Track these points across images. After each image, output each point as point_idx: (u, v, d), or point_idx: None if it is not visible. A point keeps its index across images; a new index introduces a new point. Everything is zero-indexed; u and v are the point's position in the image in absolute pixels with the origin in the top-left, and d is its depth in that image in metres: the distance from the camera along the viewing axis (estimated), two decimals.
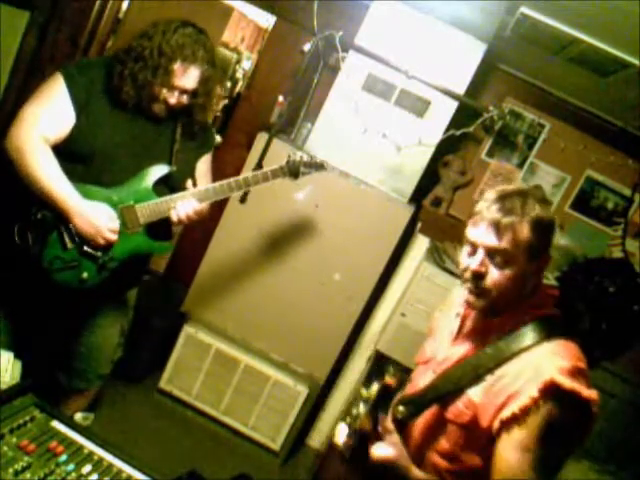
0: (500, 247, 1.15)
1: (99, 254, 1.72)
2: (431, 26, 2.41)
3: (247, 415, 2.69)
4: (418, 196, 2.69)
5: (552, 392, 1.07)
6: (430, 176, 2.71)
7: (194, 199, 1.80)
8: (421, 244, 2.72)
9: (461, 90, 2.46)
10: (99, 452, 1.15)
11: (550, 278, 2.31)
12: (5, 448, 1.05)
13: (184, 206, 1.78)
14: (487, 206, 1.17)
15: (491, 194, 1.20)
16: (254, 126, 2.70)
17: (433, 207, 2.84)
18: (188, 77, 1.70)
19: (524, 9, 1.90)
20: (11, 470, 1.01)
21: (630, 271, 2.26)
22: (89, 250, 1.70)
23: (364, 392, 1.16)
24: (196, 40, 1.69)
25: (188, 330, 2.66)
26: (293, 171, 1.99)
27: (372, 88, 2.51)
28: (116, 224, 1.70)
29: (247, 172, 1.93)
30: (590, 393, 1.07)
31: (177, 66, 1.67)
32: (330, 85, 2.56)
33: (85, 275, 1.72)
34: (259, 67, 3.01)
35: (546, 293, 1.27)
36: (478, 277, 1.19)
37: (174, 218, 1.78)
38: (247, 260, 2.59)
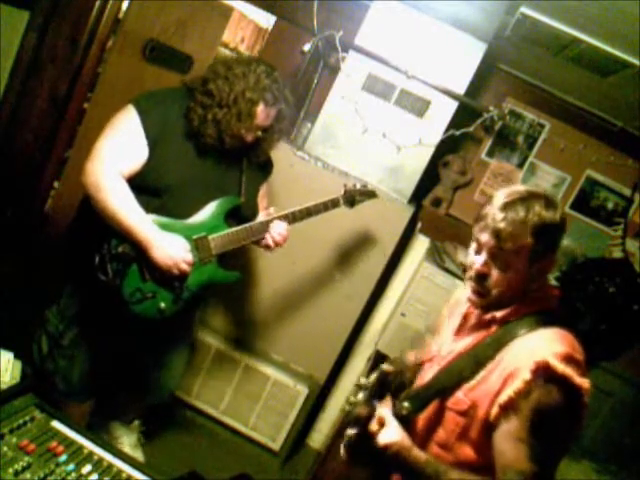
0: (502, 252, 1.17)
1: (176, 285, 1.77)
2: (431, 26, 2.41)
3: (247, 415, 2.68)
4: (418, 196, 2.69)
5: (544, 375, 1.08)
6: (430, 176, 2.70)
7: (282, 222, 1.92)
8: (421, 244, 2.71)
9: (461, 90, 2.46)
10: (99, 452, 1.15)
11: (550, 278, 2.31)
12: (5, 448, 1.05)
13: (276, 227, 1.90)
14: (493, 213, 1.19)
15: (498, 199, 1.21)
16: None
17: (433, 207, 2.84)
18: (268, 117, 1.79)
19: (524, 9, 1.91)
20: (11, 470, 1.01)
21: (630, 271, 2.26)
22: (166, 281, 1.75)
23: (363, 381, 1.16)
24: (273, 80, 1.76)
25: None
26: (350, 200, 2.10)
27: (372, 88, 2.50)
28: (190, 256, 1.74)
29: (306, 203, 2.01)
30: (582, 381, 1.09)
31: (260, 109, 1.75)
32: (330, 85, 2.56)
33: (163, 305, 1.78)
34: None
35: (550, 291, 1.29)
36: (481, 277, 1.22)
37: (270, 242, 1.89)
38: (246, 260, 2.58)
